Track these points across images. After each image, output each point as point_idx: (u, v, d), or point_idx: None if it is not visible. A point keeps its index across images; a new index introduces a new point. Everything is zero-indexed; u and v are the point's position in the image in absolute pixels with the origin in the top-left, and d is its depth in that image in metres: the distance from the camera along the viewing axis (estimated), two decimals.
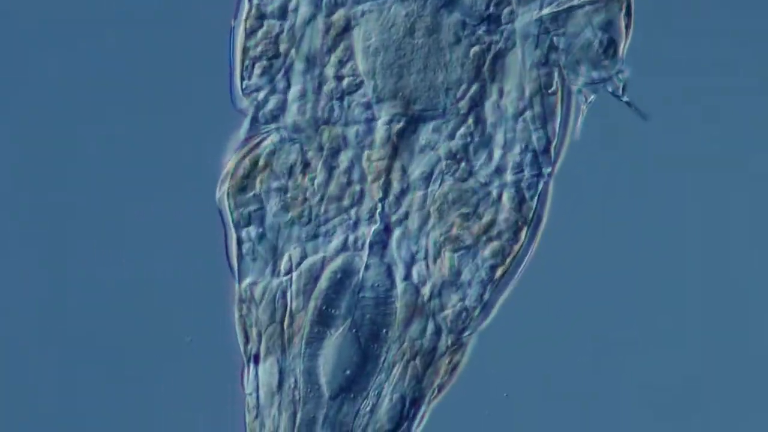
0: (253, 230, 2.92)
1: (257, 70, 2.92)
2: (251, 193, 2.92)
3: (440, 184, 2.91)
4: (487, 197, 2.91)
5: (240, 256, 2.92)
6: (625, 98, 2.89)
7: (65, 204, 3.01)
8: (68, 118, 3.02)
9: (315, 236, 2.92)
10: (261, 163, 2.92)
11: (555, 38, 2.88)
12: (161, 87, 3.01)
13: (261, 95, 2.92)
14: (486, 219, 2.90)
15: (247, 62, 2.92)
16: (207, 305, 2.97)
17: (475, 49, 2.90)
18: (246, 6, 2.92)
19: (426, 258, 2.90)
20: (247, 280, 2.92)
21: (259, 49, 2.91)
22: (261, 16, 2.92)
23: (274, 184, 2.92)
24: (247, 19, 2.92)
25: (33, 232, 3.02)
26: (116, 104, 3.02)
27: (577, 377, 2.98)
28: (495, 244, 2.91)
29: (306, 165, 2.92)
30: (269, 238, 2.92)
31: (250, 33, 2.91)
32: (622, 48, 2.88)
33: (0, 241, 3.02)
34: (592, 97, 2.90)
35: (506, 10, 2.89)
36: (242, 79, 2.92)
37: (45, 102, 3.03)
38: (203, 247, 2.98)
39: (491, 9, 2.90)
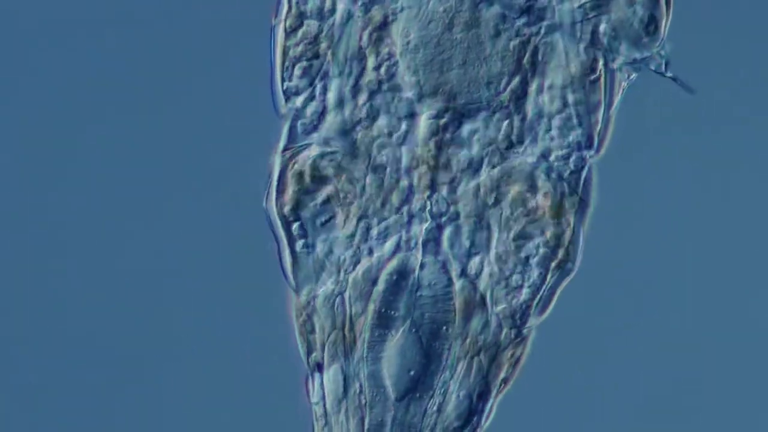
0: (306, 240, 2.91)
1: (297, 71, 2.91)
2: (301, 204, 2.91)
3: (488, 174, 2.90)
4: (540, 177, 2.90)
5: (295, 267, 2.91)
6: (669, 74, 2.88)
7: (115, 218, 3.01)
8: (102, 118, 3.02)
9: (367, 240, 2.91)
10: (307, 173, 2.91)
11: (597, 23, 2.87)
12: (199, 88, 3.01)
13: (300, 101, 2.91)
14: (542, 200, 2.89)
15: (287, 63, 2.91)
16: (264, 318, 2.96)
17: (515, 41, 2.89)
18: (285, 5, 2.92)
19: (486, 250, 2.90)
20: (305, 291, 2.91)
21: (299, 49, 2.91)
22: (301, 15, 2.91)
23: (322, 193, 2.91)
24: (287, 18, 2.91)
25: (94, 249, 3.02)
26: (156, 106, 3.01)
27: (641, 363, 2.98)
28: (549, 231, 2.90)
29: (350, 170, 2.91)
30: (322, 246, 2.91)
31: (290, 32, 2.90)
32: (664, 25, 2.87)
33: (53, 248, 3.01)
34: (634, 75, 2.89)
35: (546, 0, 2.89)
36: (282, 80, 2.92)
37: (80, 103, 3.02)
38: (252, 260, 2.97)
39: (531, 0, 2.89)
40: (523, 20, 2.88)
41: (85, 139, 3.01)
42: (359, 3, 2.90)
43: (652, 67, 2.88)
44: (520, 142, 2.90)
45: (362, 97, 2.90)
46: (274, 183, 2.92)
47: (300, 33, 2.91)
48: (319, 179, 2.91)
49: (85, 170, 3.02)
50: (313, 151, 2.91)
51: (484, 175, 2.90)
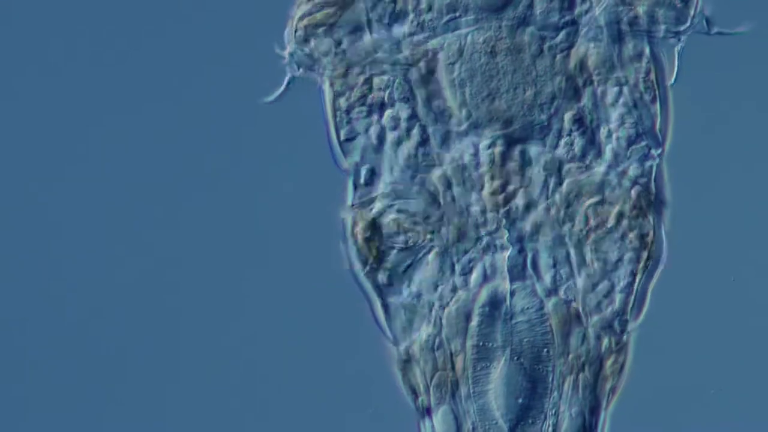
0: (396, 290, 2.92)
1: (351, 121, 2.92)
2: (381, 259, 2.92)
3: (558, 190, 2.91)
4: (610, 185, 2.90)
5: (388, 319, 2.92)
6: (715, 30, 2.89)
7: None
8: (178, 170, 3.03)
9: (452, 277, 2.91)
10: (380, 226, 2.92)
11: (634, 14, 2.89)
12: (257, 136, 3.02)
13: (357, 156, 2.93)
14: (617, 207, 2.90)
15: (339, 116, 2.93)
16: (367, 369, 2.97)
17: (559, 57, 2.90)
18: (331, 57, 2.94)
19: (570, 265, 2.90)
20: (404, 341, 2.92)
21: (350, 100, 2.92)
22: (347, 66, 2.93)
23: (398, 243, 2.92)
24: (333, 76, 2.93)
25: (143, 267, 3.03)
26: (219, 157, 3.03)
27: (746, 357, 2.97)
28: (631, 233, 2.90)
29: (419, 215, 2.92)
30: (411, 292, 2.92)
31: (337, 90, 2.93)
32: None
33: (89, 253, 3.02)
34: (679, 44, 2.90)
35: (579, 10, 2.90)
36: (337, 130, 2.93)
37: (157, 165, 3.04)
38: (342, 313, 2.98)
39: (565, 16, 2.90)
40: (562, 35, 2.90)
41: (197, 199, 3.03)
42: (401, 46, 2.92)
43: (697, 30, 2.89)
44: (584, 155, 2.91)
45: (416, 140, 2.92)
46: (353, 249, 2.93)
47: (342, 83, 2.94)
48: (389, 235, 2.92)
49: (203, 228, 3.03)
50: (376, 208, 2.92)
51: (555, 194, 2.91)
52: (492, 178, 2.91)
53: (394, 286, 2.92)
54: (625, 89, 2.91)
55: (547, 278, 2.91)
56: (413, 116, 2.92)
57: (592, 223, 2.90)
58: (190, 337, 2.99)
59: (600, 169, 2.90)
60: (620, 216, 2.90)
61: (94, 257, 3.01)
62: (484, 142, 2.91)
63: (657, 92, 2.91)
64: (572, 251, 2.90)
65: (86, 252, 3.02)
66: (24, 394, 3.02)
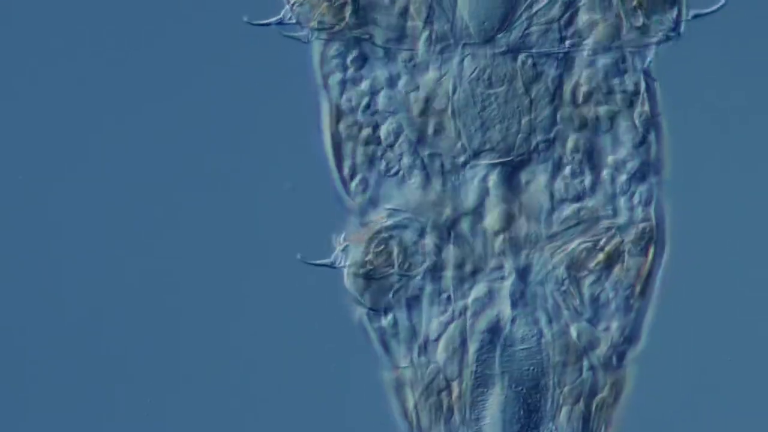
0: (390, 317, 2.90)
1: (356, 167, 2.91)
2: (380, 288, 2.91)
3: (556, 219, 2.90)
4: (607, 225, 2.89)
5: (385, 345, 2.91)
6: (691, 14, 2.88)
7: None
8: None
9: (451, 304, 2.90)
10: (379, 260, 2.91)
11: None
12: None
13: (361, 193, 2.91)
14: (610, 246, 2.89)
15: (346, 165, 2.91)
16: (361, 394, 2.95)
17: (555, 84, 2.88)
18: (326, 106, 2.91)
19: (565, 294, 2.89)
20: (400, 366, 2.90)
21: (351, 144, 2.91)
22: (348, 112, 2.91)
23: (394, 274, 2.91)
24: (334, 122, 2.91)
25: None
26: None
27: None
28: (625, 265, 2.90)
29: (421, 244, 2.91)
30: (407, 318, 2.90)
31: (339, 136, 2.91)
32: None
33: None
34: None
35: (572, 41, 2.89)
36: (340, 170, 2.91)
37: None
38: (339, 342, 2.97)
39: (563, 43, 2.89)
40: (559, 71, 2.88)
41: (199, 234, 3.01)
42: (399, 84, 2.90)
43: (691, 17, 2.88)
44: (581, 182, 2.90)
45: (417, 172, 2.91)
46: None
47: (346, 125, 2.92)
48: (394, 260, 2.91)
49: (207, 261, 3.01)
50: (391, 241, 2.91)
51: (552, 224, 2.90)
52: (491, 208, 2.89)
53: (394, 310, 2.91)
54: (620, 119, 2.90)
55: (548, 308, 2.90)
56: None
57: (582, 262, 2.89)
58: (189, 337, 2.98)
59: (594, 206, 2.89)
60: (613, 253, 2.89)
61: (94, 257, 3.00)
62: (481, 173, 2.89)
63: (651, 121, 2.91)
64: (572, 281, 2.89)
65: (86, 252, 3.00)
66: (24, 395, 3.00)
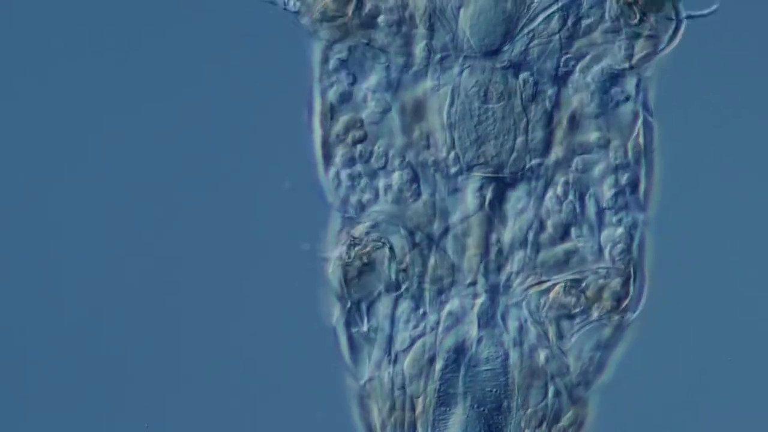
0: (362, 325, 2.90)
1: (342, 169, 2.91)
2: (356, 292, 2.91)
3: (537, 247, 2.89)
4: (591, 267, 2.88)
5: (352, 351, 2.91)
6: (684, 15, 2.86)
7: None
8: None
9: (422, 318, 2.90)
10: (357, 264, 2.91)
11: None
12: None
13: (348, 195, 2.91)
14: (592, 287, 2.88)
15: (333, 162, 2.91)
16: (324, 403, 2.96)
17: (550, 105, 2.88)
18: (319, 101, 2.91)
19: (536, 321, 2.89)
20: (365, 375, 2.90)
21: (339, 147, 2.90)
22: (335, 110, 2.91)
23: (374, 281, 2.91)
24: (324, 119, 2.91)
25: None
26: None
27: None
28: (603, 305, 2.89)
29: (397, 250, 2.90)
30: (378, 328, 2.90)
31: (328, 135, 2.90)
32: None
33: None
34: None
35: (573, 65, 2.87)
36: (327, 167, 2.91)
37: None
38: (309, 345, 2.97)
39: (563, 66, 2.88)
40: (554, 89, 2.87)
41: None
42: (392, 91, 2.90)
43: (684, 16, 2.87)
44: (568, 210, 2.89)
45: (406, 183, 2.90)
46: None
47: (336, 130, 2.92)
48: (372, 267, 2.91)
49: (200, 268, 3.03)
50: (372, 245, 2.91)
51: (533, 249, 2.89)
52: (473, 225, 2.88)
53: (365, 320, 2.91)
54: (611, 147, 2.89)
55: (513, 331, 2.89)
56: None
57: (560, 300, 2.89)
58: (189, 337, 2.99)
59: (577, 240, 2.88)
60: (595, 294, 2.89)
61: (94, 257, 3.01)
62: (471, 186, 2.88)
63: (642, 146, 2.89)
64: (544, 306, 2.89)
65: (85, 252, 3.01)
66: (24, 395, 3.02)
